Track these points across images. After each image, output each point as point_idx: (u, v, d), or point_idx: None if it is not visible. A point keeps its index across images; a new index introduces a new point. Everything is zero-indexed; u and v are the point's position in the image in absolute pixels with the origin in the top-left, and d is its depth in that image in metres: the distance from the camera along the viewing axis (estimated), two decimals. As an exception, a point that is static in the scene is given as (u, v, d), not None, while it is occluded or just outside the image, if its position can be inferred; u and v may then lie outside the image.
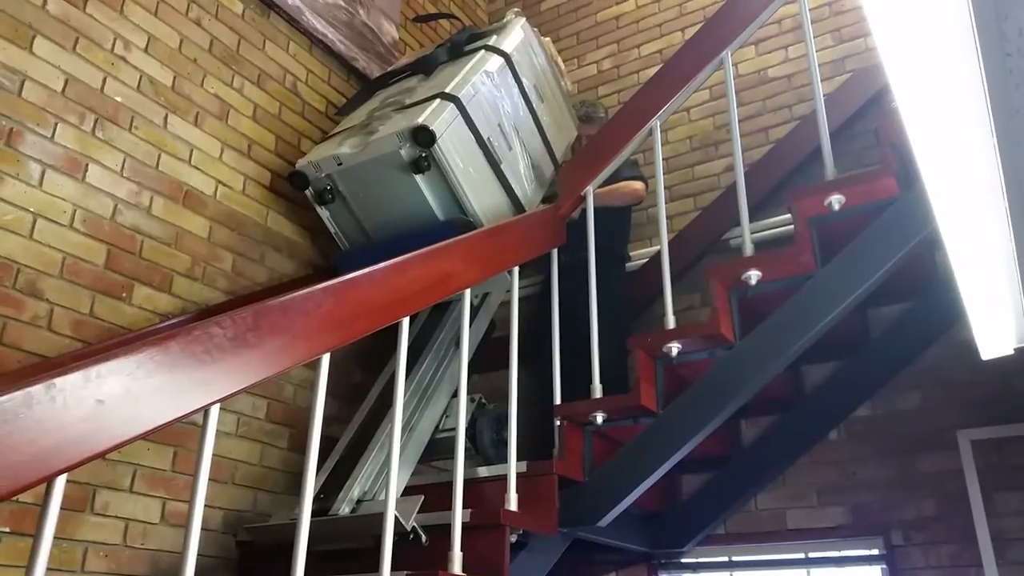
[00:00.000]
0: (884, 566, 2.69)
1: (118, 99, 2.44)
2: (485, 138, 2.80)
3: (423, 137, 2.58)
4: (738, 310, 2.34)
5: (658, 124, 2.64)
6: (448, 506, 1.91)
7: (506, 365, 2.29)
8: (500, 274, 2.45)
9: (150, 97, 2.54)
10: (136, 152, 2.46)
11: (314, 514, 1.55)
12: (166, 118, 2.58)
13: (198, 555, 1.29)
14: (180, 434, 2.31)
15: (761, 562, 2.97)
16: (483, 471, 2.37)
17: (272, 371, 1.47)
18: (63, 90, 2.29)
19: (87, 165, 2.31)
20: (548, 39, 3.44)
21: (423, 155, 2.61)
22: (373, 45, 3.57)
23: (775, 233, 3.03)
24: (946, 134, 1.32)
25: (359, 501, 2.26)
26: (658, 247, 2.60)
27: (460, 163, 2.69)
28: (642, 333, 2.67)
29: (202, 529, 1.29)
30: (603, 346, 2.43)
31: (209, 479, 1.33)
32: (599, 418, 2.35)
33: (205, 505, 1.31)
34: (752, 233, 2.36)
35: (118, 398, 1.18)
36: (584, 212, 2.66)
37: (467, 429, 2.34)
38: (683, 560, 3.03)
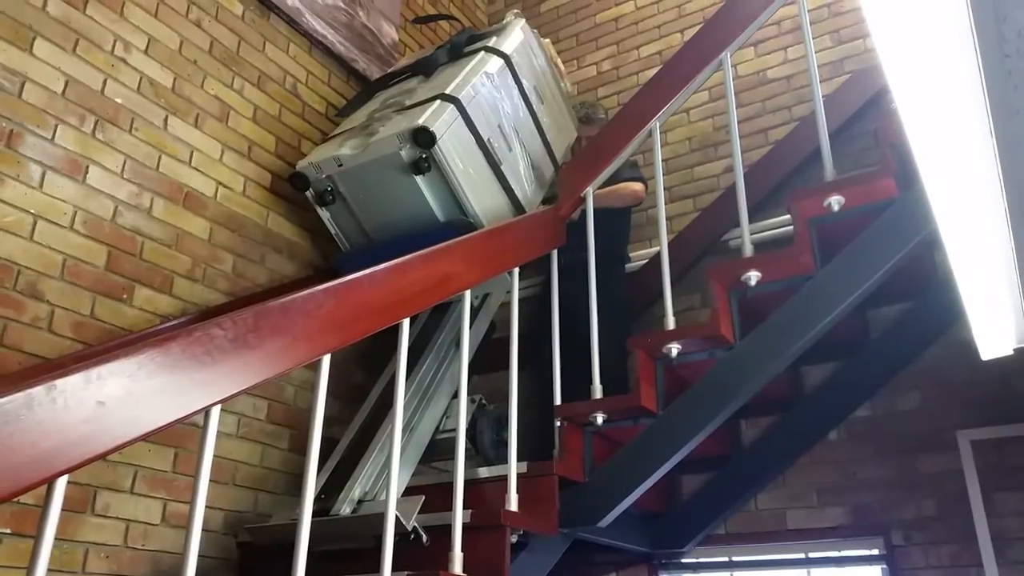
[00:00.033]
0: (884, 566, 2.70)
1: (118, 101, 2.44)
2: (485, 139, 2.80)
3: (423, 138, 2.58)
4: (738, 311, 2.35)
5: (657, 125, 2.65)
6: (449, 507, 1.91)
7: (506, 366, 2.30)
8: (500, 275, 2.45)
9: (150, 99, 2.54)
10: (136, 154, 2.46)
11: (315, 514, 1.55)
12: (166, 120, 2.58)
13: (199, 556, 1.29)
14: (181, 435, 2.31)
15: (761, 562, 2.97)
16: (483, 472, 2.37)
17: (273, 372, 1.47)
18: (63, 92, 2.29)
19: (87, 167, 2.32)
20: (548, 40, 3.44)
21: (423, 156, 2.61)
22: (373, 47, 3.57)
23: (775, 234, 3.04)
24: (945, 135, 1.32)
25: (360, 501, 2.26)
26: (658, 248, 2.60)
27: (460, 164, 2.69)
28: (642, 334, 2.67)
29: (203, 530, 1.29)
30: (603, 347, 2.43)
31: (210, 480, 1.34)
32: (599, 419, 2.36)
33: (206, 506, 1.31)
34: (752, 234, 2.36)
35: (119, 399, 1.18)
36: (584, 213, 2.67)
37: (467, 430, 2.34)
38: (683, 560, 3.03)
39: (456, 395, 2.18)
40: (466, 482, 2.00)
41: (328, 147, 2.85)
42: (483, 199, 2.78)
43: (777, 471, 2.91)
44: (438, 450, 2.55)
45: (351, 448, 2.47)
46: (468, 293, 2.15)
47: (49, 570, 1.09)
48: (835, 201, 2.23)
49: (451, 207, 2.73)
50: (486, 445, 2.56)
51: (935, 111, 1.28)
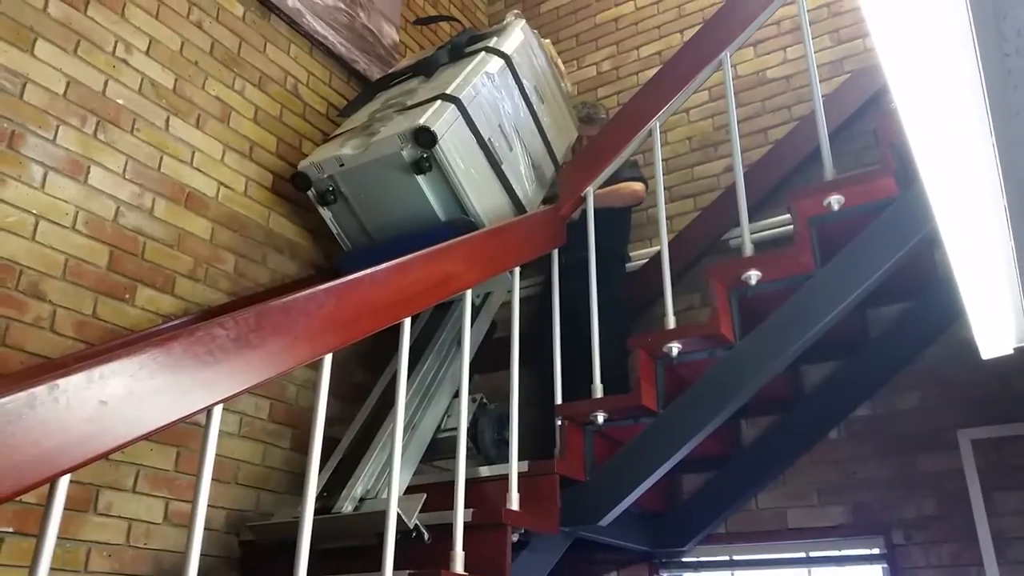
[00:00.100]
0: (885, 565, 2.70)
1: (120, 101, 2.45)
2: (486, 139, 2.80)
3: (424, 138, 2.59)
4: (738, 310, 2.35)
5: (657, 125, 2.65)
6: (450, 505, 1.92)
7: (507, 365, 2.30)
8: (501, 274, 2.46)
9: (151, 99, 2.55)
10: (138, 154, 2.47)
11: (317, 512, 1.55)
12: (167, 120, 2.58)
13: (201, 555, 1.29)
14: (183, 434, 2.32)
15: (762, 561, 2.97)
16: (485, 471, 2.37)
17: (274, 372, 1.47)
18: (65, 93, 2.30)
19: (89, 167, 2.32)
20: (548, 41, 3.45)
21: (424, 156, 2.62)
22: (374, 47, 3.58)
23: (775, 233, 3.04)
24: (945, 134, 1.32)
25: (362, 499, 2.26)
26: (658, 247, 2.60)
27: (461, 164, 2.69)
28: (642, 333, 2.68)
29: (205, 529, 1.30)
30: (604, 346, 2.43)
31: (212, 479, 1.34)
32: (600, 418, 2.36)
33: (208, 505, 1.32)
34: (752, 233, 2.37)
35: (121, 399, 1.18)
36: (584, 213, 2.67)
37: (469, 429, 2.34)
38: (684, 559, 3.04)
39: (457, 394, 2.19)
40: (467, 481, 2.01)
41: (330, 147, 2.86)
42: (484, 199, 2.78)
43: (777, 470, 2.91)
44: (439, 449, 2.55)
45: (353, 447, 2.48)
46: (469, 292, 2.16)
47: (51, 569, 1.09)
48: (835, 200, 2.24)
49: (452, 207, 2.74)
50: (487, 444, 2.56)
51: (935, 110, 1.28)
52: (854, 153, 3.07)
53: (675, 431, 2.26)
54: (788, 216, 2.65)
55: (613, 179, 2.91)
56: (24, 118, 2.19)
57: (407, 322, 1.84)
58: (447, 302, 2.56)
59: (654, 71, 3.21)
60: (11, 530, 1.92)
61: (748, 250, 2.32)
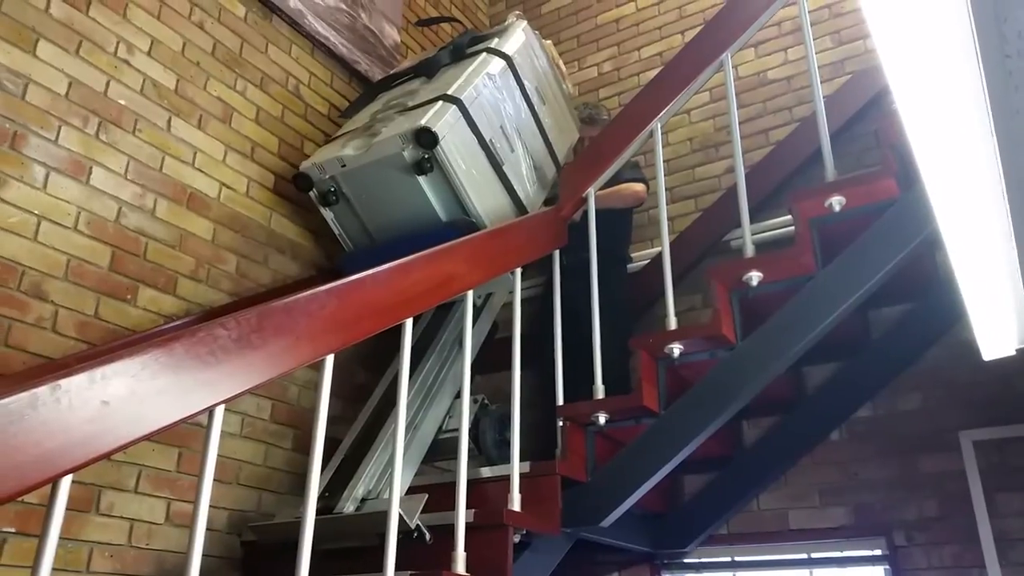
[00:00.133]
0: (886, 566, 2.70)
1: (121, 102, 2.45)
2: (487, 140, 2.80)
3: (426, 139, 2.59)
4: (739, 311, 2.35)
5: (659, 126, 2.65)
6: (451, 506, 1.92)
7: (508, 366, 2.30)
8: (503, 275, 2.46)
9: (153, 100, 2.55)
10: (140, 155, 2.47)
11: (318, 512, 1.56)
12: (169, 121, 2.59)
13: (203, 555, 1.29)
14: (185, 435, 2.32)
15: (764, 562, 2.97)
16: (486, 471, 2.37)
17: (276, 372, 1.47)
18: (67, 93, 2.30)
19: (91, 168, 2.32)
20: (549, 42, 3.45)
21: (426, 156, 2.62)
22: (375, 48, 3.58)
23: (776, 234, 3.04)
24: (946, 135, 1.32)
25: (363, 500, 2.26)
26: (659, 248, 2.61)
27: (463, 164, 2.70)
28: (644, 334, 2.68)
29: (207, 529, 1.30)
30: (605, 347, 2.43)
31: (214, 480, 1.34)
32: (601, 419, 2.36)
33: (210, 505, 1.32)
34: (753, 234, 2.37)
35: (123, 399, 1.18)
36: (586, 214, 2.67)
37: (470, 430, 2.34)
38: (686, 560, 3.04)
39: (459, 395, 2.19)
40: (469, 482, 2.00)
41: (331, 148, 2.86)
42: (485, 199, 2.78)
43: (779, 471, 2.91)
44: (441, 450, 2.55)
45: (354, 447, 2.48)
46: (471, 293, 2.16)
47: (53, 569, 1.10)
48: (836, 201, 2.24)
49: (453, 207, 2.74)
50: (489, 445, 2.56)
51: (936, 112, 1.28)
52: (855, 154, 3.07)
53: (677, 432, 2.26)
54: (789, 217, 2.65)
55: (614, 180, 2.91)
56: (26, 118, 2.19)
57: (409, 323, 1.84)
58: (448, 303, 2.57)
59: (655, 72, 3.22)
60: (13, 530, 1.92)
61: (749, 251, 2.32)
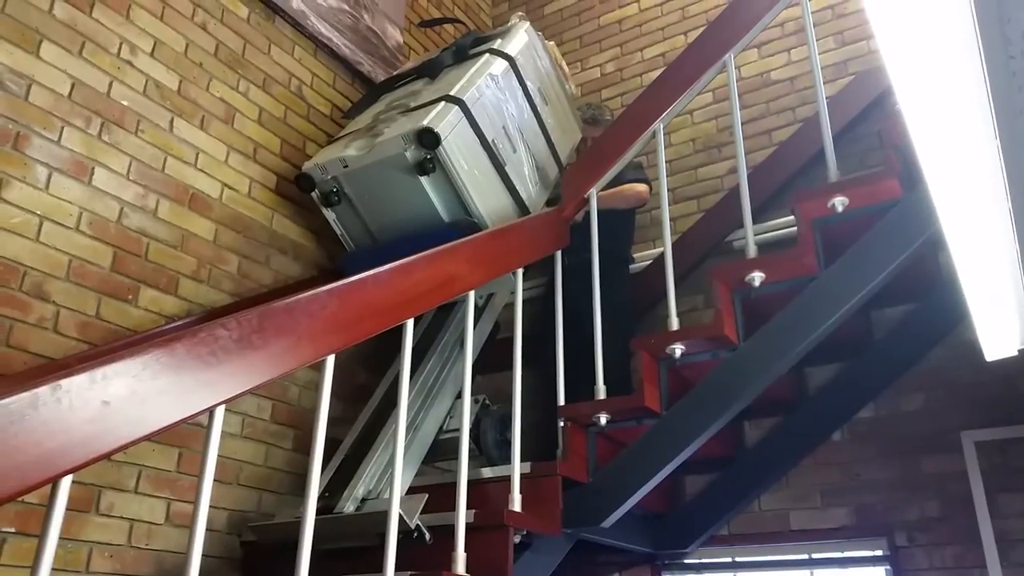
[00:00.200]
0: (888, 567, 2.69)
1: (124, 103, 2.45)
2: (490, 140, 2.80)
3: (428, 139, 2.59)
4: (741, 312, 2.34)
5: (661, 127, 2.65)
6: (452, 507, 1.91)
7: (510, 366, 2.30)
8: (504, 276, 2.46)
9: (156, 101, 2.55)
10: (142, 155, 2.47)
11: (318, 512, 1.56)
12: (172, 122, 2.59)
13: (203, 555, 1.29)
14: (185, 435, 2.32)
15: (765, 563, 2.97)
16: (487, 472, 2.37)
17: (277, 372, 1.47)
18: (69, 94, 2.30)
19: (93, 168, 2.33)
20: (552, 43, 3.45)
21: (428, 157, 2.62)
22: (378, 49, 3.58)
23: (778, 235, 3.04)
24: (949, 136, 1.32)
25: (363, 500, 2.26)
26: (661, 249, 2.60)
27: (465, 165, 2.70)
28: (646, 335, 2.67)
29: (207, 529, 1.30)
30: (607, 347, 2.43)
31: (214, 480, 1.34)
32: (603, 419, 2.35)
33: (210, 506, 1.32)
34: (756, 235, 2.36)
35: (124, 399, 1.18)
36: (588, 214, 2.67)
37: (471, 430, 2.34)
38: (687, 561, 3.03)
39: (460, 395, 2.19)
40: (469, 482, 2.00)
41: (334, 148, 2.86)
42: (487, 200, 2.78)
43: (781, 472, 2.91)
44: (441, 450, 2.55)
45: (355, 447, 2.48)
46: (472, 294, 2.15)
47: (53, 569, 1.10)
48: (839, 202, 2.23)
49: (456, 208, 2.74)
50: (489, 445, 2.56)
51: (939, 112, 1.28)
52: (858, 155, 3.06)
53: (678, 433, 2.26)
54: (792, 218, 2.64)
55: (617, 180, 2.92)
56: (29, 119, 2.19)
57: (410, 323, 1.84)
58: (450, 303, 2.56)
59: (658, 73, 3.22)
60: (13, 530, 1.92)
61: (752, 252, 2.32)
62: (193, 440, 2.34)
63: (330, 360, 1.58)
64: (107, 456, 1.18)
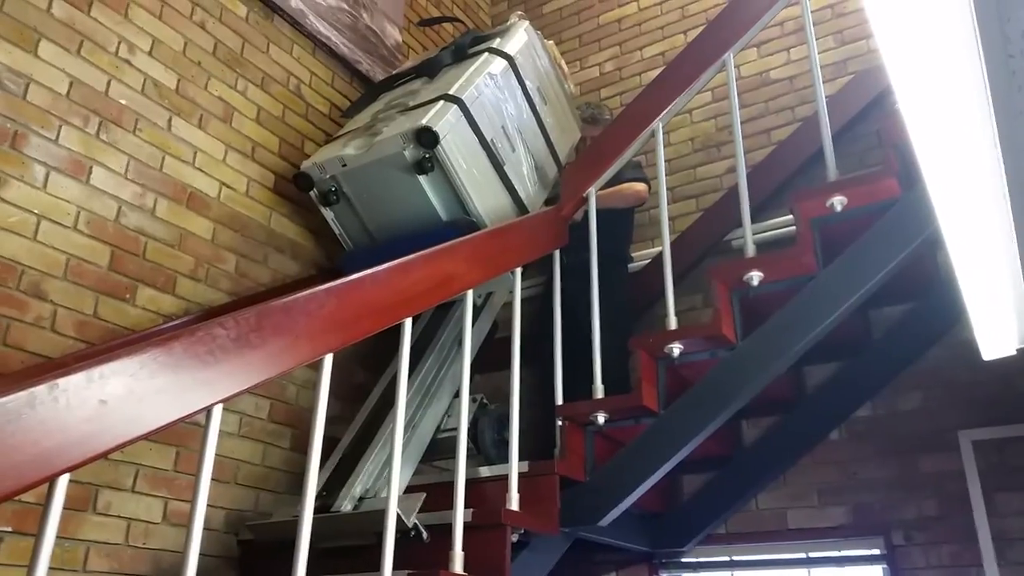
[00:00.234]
0: (885, 566, 2.70)
1: (122, 102, 2.45)
2: (488, 139, 2.80)
3: (427, 138, 2.59)
4: (740, 311, 2.35)
5: (660, 126, 2.65)
6: (450, 505, 1.92)
7: (508, 365, 2.30)
8: (503, 275, 2.45)
9: (154, 100, 2.55)
10: (140, 154, 2.47)
11: (316, 511, 1.55)
12: (170, 121, 2.58)
13: (200, 554, 1.29)
14: (182, 434, 2.32)
15: (762, 562, 2.97)
16: (485, 471, 2.37)
17: (275, 372, 1.47)
18: (67, 93, 2.30)
19: (91, 167, 2.32)
20: (551, 42, 3.45)
21: (427, 156, 2.62)
22: (377, 48, 3.58)
23: (777, 234, 3.04)
24: (948, 135, 1.32)
25: (361, 499, 2.26)
26: (660, 248, 2.60)
27: (463, 164, 2.69)
28: (644, 334, 2.67)
29: (204, 529, 1.29)
30: (605, 347, 2.43)
31: (211, 479, 1.34)
32: (601, 418, 2.36)
33: (207, 505, 1.31)
34: (754, 234, 2.36)
35: (121, 398, 1.18)
36: (587, 213, 2.67)
37: (469, 429, 2.34)
38: (684, 560, 3.04)
39: (458, 394, 2.18)
40: (467, 481, 2.00)
41: (332, 147, 2.86)
42: (486, 199, 2.78)
43: (778, 471, 2.91)
44: (439, 449, 2.55)
45: (353, 446, 2.48)
46: (471, 293, 2.15)
47: (50, 568, 1.09)
48: (838, 201, 2.23)
49: (454, 207, 2.74)
50: (487, 444, 2.56)
51: (938, 112, 1.28)
52: (857, 154, 3.07)
53: (676, 432, 2.26)
54: (791, 217, 2.64)
55: (616, 180, 2.91)
56: (27, 118, 2.19)
57: (408, 322, 1.84)
58: (448, 302, 2.56)
59: (657, 72, 3.22)
60: (10, 529, 1.92)
61: (750, 251, 2.32)
62: (190, 439, 2.34)
63: (328, 359, 1.58)
64: (104, 455, 1.17)
